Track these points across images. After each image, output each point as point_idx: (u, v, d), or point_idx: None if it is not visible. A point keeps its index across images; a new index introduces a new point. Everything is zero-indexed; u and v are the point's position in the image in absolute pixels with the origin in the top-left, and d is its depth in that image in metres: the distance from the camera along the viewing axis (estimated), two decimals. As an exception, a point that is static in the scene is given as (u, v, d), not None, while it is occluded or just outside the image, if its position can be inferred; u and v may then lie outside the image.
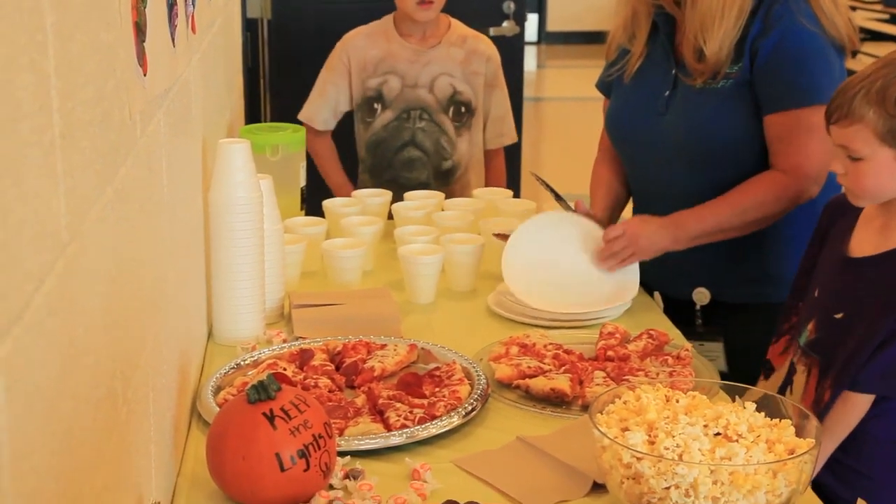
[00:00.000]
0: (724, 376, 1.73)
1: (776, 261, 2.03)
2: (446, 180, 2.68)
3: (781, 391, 1.73)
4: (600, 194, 2.18)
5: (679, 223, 1.94)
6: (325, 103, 2.68)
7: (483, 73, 2.68)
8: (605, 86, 2.21)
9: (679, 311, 2.03)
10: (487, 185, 2.74)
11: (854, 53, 1.97)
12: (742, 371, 1.82)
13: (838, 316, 1.65)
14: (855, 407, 1.60)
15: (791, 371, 1.73)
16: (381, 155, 2.67)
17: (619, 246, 1.95)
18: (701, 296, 2.06)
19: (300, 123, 2.56)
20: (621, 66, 2.12)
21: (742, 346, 1.97)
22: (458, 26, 2.70)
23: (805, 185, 1.90)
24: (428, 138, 2.64)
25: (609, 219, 2.13)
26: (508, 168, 2.97)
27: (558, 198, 2.05)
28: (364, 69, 2.64)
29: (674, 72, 2.02)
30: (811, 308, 1.72)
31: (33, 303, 0.71)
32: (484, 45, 2.69)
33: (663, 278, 2.10)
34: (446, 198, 2.43)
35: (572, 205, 2.05)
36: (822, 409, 1.62)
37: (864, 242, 1.67)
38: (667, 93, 2.03)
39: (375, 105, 2.64)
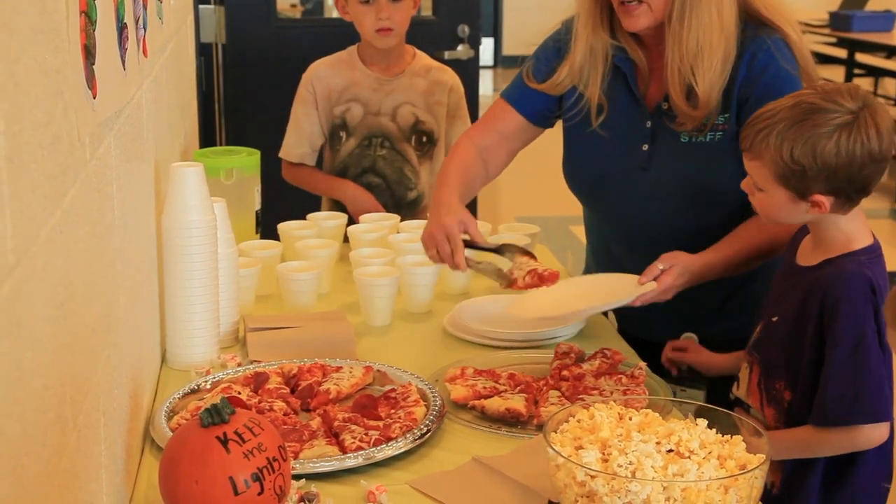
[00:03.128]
0: None
1: (759, 292, 1.94)
2: (412, 210, 2.68)
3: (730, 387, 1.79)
4: (458, 181, 2.00)
5: (709, 265, 1.84)
6: (301, 136, 2.67)
7: (445, 104, 2.69)
8: (538, 116, 2.08)
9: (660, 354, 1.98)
10: None
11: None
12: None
13: (774, 319, 1.70)
14: (827, 442, 1.62)
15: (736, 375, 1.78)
16: None
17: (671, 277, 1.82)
18: (688, 341, 1.99)
19: (256, 147, 2.55)
20: (580, 111, 2.01)
21: (723, 385, 1.87)
22: (422, 57, 2.71)
23: None
24: (389, 166, 2.65)
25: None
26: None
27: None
28: (329, 98, 2.65)
29: (649, 124, 1.96)
30: (761, 313, 1.76)
31: (-22, 326, 0.70)
32: (447, 76, 2.70)
33: (648, 324, 2.02)
34: None
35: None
36: (785, 408, 1.66)
37: (801, 253, 1.72)
38: (645, 146, 1.96)
39: (341, 133, 2.66)
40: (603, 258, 2.13)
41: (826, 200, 1.58)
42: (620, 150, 1.99)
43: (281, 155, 2.70)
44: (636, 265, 1.88)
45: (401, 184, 2.66)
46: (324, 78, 2.66)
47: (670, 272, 1.82)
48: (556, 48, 2.06)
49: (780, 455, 1.64)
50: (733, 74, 1.87)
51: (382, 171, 2.64)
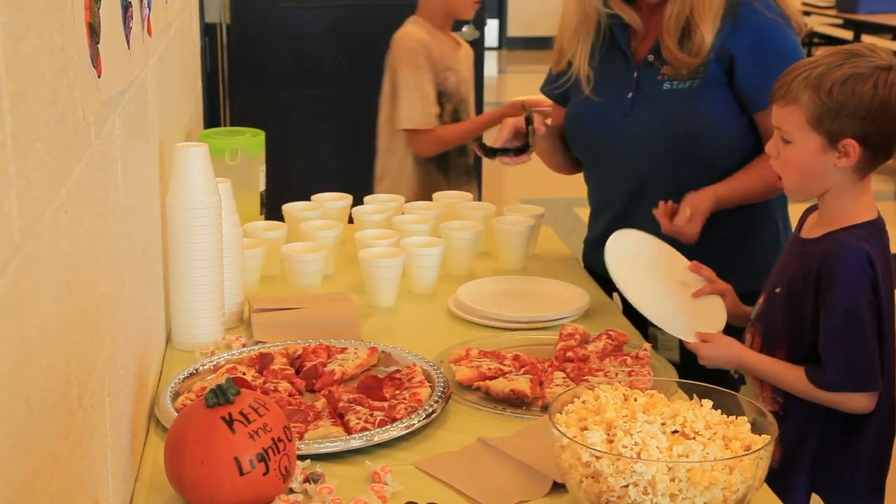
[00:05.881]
0: (676, 367, 1.75)
1: (738, 249, 2.07)
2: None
3: None
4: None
5: (715, 189, 1.99)
6: (429, 100, 2.80)
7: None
8: (555, 96, 2.26)
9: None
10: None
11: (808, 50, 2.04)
12: (697, 366, 1.83)
13: (777, 290, 1.72)
14: (814, 398, 1.64)
15: (742, 340, 1.78)
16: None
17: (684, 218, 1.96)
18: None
19: (261, 128, 2.54)
20: (571, 76, 2.15)
21: None
22: None
23: None
24: None
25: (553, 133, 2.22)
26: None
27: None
28: (434, 66, 2.76)
29: (635, 75, 2.08)
30: (766, 284, 1.78)
31: (-16, 304, 0.70)
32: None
33: None
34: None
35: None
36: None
37: (807, 227, 1.74)
38: (630, 94, 2.08)
39: (442, 100, 2.78)
40: (604, 214, 2.21)
41: (856, 148, 1.59)
42: (609, 100, 2.11)
43: (419, 126, 2.78)
44: (633, 217, 2.05)
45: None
46: (429, 46, 2.75)
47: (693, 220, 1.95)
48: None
49: (763, 377, 1.70)
50: (718, 29, 1.99)
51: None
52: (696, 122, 2.02)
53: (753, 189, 2.02)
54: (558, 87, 2.20)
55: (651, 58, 2.06)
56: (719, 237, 2.03)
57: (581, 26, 2.11)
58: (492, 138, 2.16)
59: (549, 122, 2.23)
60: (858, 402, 1.62)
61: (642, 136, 2.07)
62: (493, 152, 2.08)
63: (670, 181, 2.05)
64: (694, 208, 1.96)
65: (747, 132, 2.04)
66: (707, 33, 1.97)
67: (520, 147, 2.08)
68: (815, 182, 1.65)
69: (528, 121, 2.07)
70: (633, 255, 1.91)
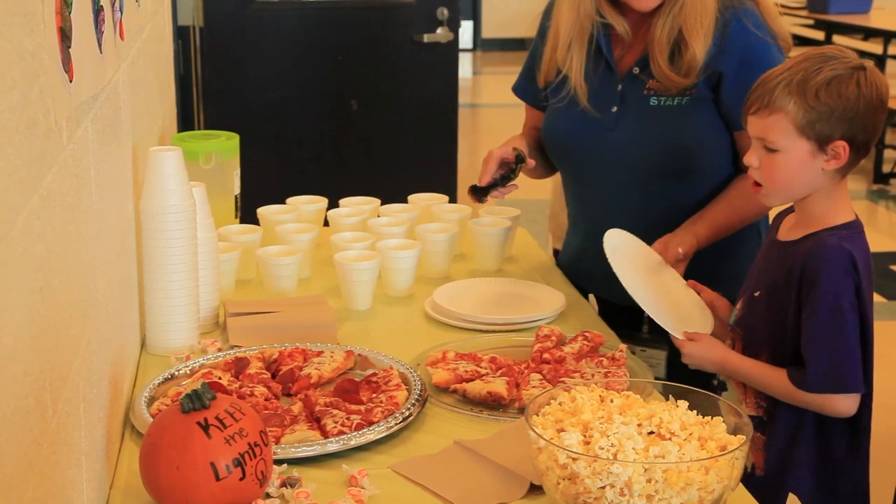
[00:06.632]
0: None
1: (725, 262, 2.05)
2: None
3: None
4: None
5: (695, 231, 1.96)
6: None
7: None
8: (530, 99, 2.23)
9: (626, 317, 2.02)
10: None
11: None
12: (684, 378, 1.82)
13: (756, 294, 1.72)
14: (797, 400, 1.65)
15: None
16: None
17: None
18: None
19: (235, 131, 2.53)
20: (566, 95, 2.07)
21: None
22: None
23: None
24: None
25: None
26: (445, 174, 3.00)
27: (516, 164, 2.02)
28: None
29: (620, 87, 2.03)
30: (743, 289, 1.78)
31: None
32: None
33: (612, 284, 2.03)
34: None
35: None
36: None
37: (783, 230, 1.74)
38: (614, 108, 2.02)
39: None
40: (582, 227, 2.18)
41: (846, 149, 1.60)
42: (592, 112, 2.05)
43: None
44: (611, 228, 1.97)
45: None
46: None
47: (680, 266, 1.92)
48: (541, 35, 2.16)
49: (745, 379, 1.71)
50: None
51: None
52: (684, 141, 1.98)
53: (731, 225, 1.99)
54: (544, 99, 2.15)
55: (637, 70, 2.01)
56: None
57: (576, 39, 2.04)
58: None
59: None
60: (841, 404, 1.62)
61: (626, 152, 2.01)
62: (484, 192, 1.99)
63: (651, 198, 2.01)
64: (676, 248, 1.92)
65: (733, 152, 2.01)
66: (699, 51, 1.92)
67: (505, 175, 2.01)
68: (800, 187, 1.65)
69: (520, 159, 1.99)
70: (631, 252, 1.89)
